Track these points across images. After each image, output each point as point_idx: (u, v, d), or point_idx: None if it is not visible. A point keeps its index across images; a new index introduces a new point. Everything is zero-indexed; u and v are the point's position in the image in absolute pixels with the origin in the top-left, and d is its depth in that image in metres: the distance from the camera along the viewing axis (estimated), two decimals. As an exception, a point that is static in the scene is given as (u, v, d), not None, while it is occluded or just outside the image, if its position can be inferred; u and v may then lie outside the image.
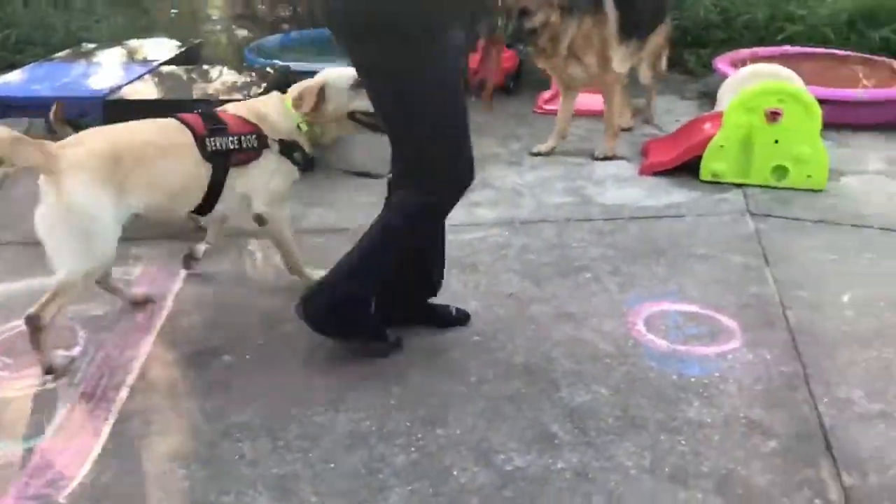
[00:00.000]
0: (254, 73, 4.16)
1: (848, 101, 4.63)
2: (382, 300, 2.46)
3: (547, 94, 5.16)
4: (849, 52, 5.62)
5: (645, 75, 4.47)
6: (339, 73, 2.63)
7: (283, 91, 2.72)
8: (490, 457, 2.05)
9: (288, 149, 2.63)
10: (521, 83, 5.48)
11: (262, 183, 2.61)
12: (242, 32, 6.58)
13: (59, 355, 2.43)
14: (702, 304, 2.78)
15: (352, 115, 2.66)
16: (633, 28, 3.99)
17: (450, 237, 3.30)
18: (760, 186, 3.75)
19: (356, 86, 2.54)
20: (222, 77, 4.06)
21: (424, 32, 2.08)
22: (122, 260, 2.84)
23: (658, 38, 4.33)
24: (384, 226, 2.34)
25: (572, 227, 3.39)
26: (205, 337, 2.64)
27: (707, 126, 3.99)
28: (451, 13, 2.12)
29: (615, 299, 2.83)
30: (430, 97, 2.14)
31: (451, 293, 2.85)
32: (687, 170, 3.90)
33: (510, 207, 3.62)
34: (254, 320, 2.72)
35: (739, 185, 3.78)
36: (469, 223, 3.43)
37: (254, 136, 2.57)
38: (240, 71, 4.25)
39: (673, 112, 4.94)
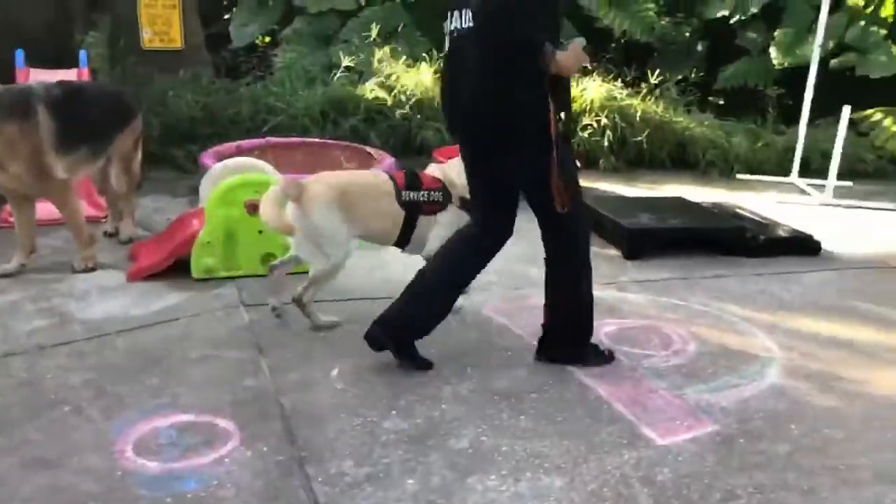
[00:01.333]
0: None
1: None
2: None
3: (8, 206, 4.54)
4: (328, 140, 6.23)
5: (118, 180, 4.20)
6: None
7: None
8: None
9: (466, 203, 3.18)
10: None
11: (442, 230, 3.23)
12: None
13: (325, 319, 3.34)
14: (198, 411, 2.65)
15: None
16: (83, 134, 3.73)
17: None
18: (253, 276, 3.83)
19: None
20: None
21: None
22: None
23: (127, 139, 4.14)
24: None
25: (47, 356, 2.97)
26: None
27: (194, 223, 3.94)
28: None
29: (100, 429, 2.53)
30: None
31: None
32: (181, 269, 3.78)
33: (-37, 345, 3.03)
34: None
35: (234, 278, 3.81)
36: None
37: (440, 192, 3.28)
38: None
39: (164, 210, 4.81)
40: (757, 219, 5.16)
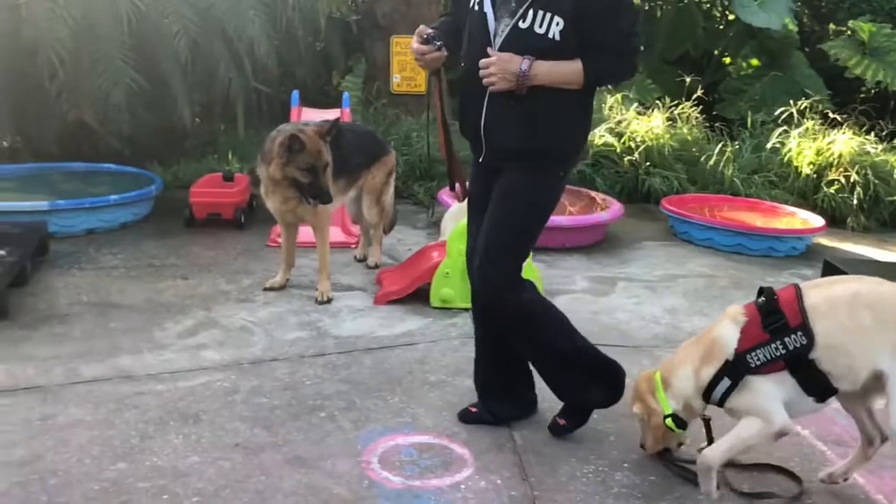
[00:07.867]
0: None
1: (556, 227, 5.16)
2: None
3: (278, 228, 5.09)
4: (555, 184, 6.31)
5: (369, 211, 4.50)
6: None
7: None
8: None
9: None
10: (253, 216, 5.37)
11: None
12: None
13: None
14: (435, 433, 2.79)
15: None
16: (341, 167, 4.05)
17: (168, 386, 3.05)
18: (486, 310, 3.96)
19: None
20: None
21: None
22: None
23: (377, 174, 4.46)
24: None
25: (306, 364, 3.28)
26: None
27: (435, 255, 4.17)
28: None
29: (349, 438, 2.74)
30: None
31: (170, 448, 2.58)
32: (420, 297, 4.02)
33: (239, 347, 3.43)
34: None
35: (467, 310, 3.96)
36: (191, 368, 3.19)
37: None
38: None
39: (405, 241, 5.14)
40: None
